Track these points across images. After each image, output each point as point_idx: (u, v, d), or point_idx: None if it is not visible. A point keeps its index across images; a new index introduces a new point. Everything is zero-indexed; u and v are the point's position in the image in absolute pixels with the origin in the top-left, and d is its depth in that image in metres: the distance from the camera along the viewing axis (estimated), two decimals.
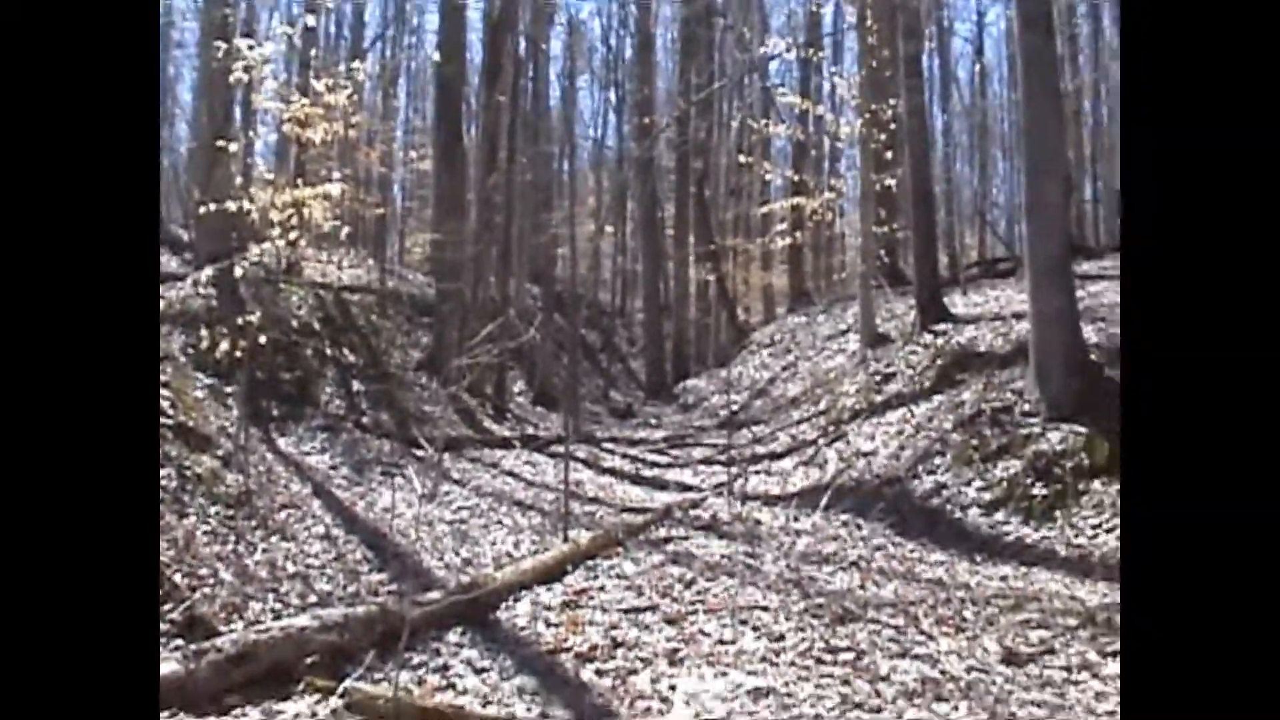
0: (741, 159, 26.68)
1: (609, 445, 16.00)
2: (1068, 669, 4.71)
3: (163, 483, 6.92)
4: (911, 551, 7.88)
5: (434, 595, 5.94)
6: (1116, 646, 4.87)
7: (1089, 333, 10.23)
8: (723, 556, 7.44)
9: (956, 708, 4.27)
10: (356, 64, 10.17)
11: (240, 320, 8.99)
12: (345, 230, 12.37)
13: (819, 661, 4.85)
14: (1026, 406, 9.51)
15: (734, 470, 11.14)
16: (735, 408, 17.58)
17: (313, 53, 20.60)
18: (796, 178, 21.66)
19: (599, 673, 4.83)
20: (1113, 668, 4.66)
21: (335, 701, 4.14)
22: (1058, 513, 8.11)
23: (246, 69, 9.18)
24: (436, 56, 19.14)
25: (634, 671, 4.80)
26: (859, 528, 8.78)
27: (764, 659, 4.90)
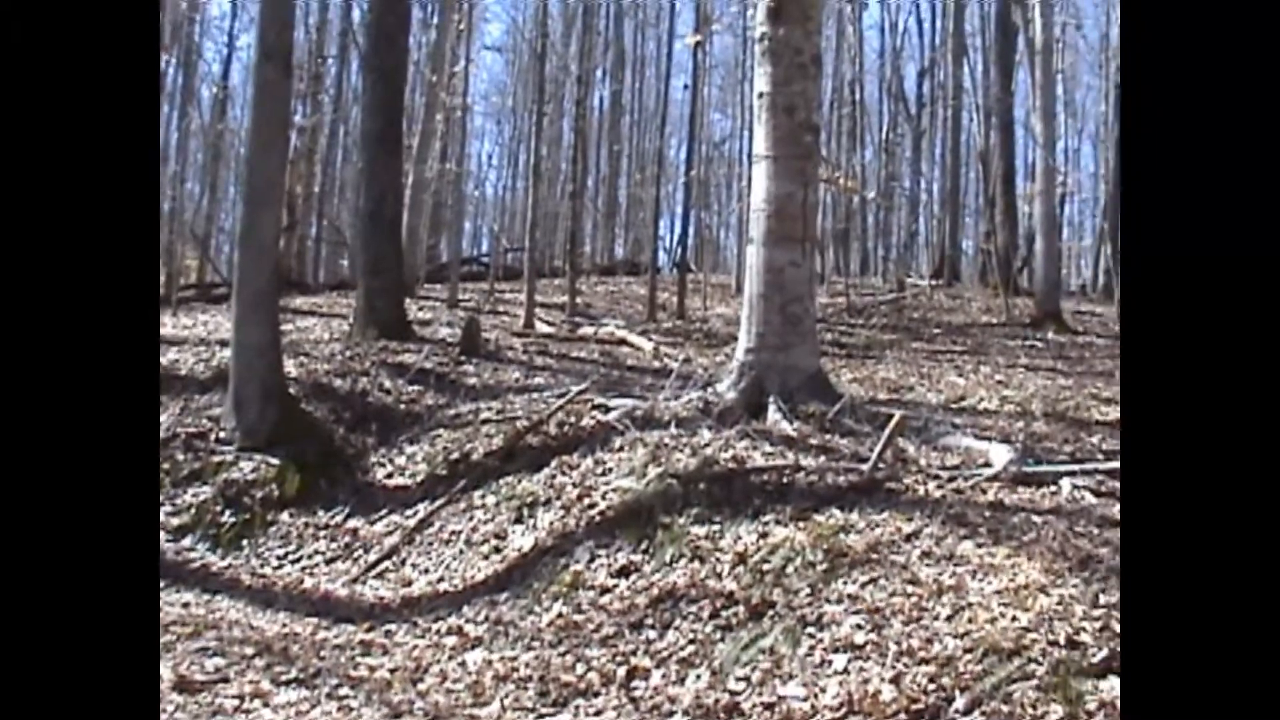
0: None
1: None
2: (240, 697, 4.84)
3: None
4: None
5: None
6: (291, 675, 5.13)
7: (290, 367, 10.58)
8: None
9: None
10: None
11: None
12: None
13: None
14: (222, 434, 9.57)
15: None
16: None
17: None
18: None
19: None
20: (285, 696, 4.89)
21: None
22: (245, 541, 8.27)
23: None
24: None
25: None
26: None
27: None
